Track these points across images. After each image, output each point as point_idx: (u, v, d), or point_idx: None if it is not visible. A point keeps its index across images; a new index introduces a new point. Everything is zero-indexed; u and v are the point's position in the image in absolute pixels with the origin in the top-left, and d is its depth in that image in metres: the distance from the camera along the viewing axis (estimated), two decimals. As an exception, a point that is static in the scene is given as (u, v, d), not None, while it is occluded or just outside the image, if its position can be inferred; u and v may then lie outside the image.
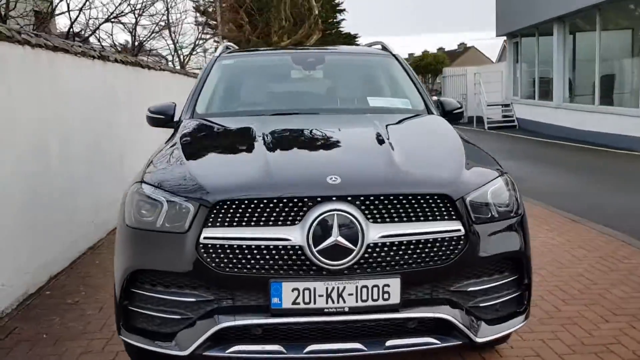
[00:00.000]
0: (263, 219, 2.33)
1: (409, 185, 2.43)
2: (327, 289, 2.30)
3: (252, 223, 2.33)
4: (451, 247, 2.41)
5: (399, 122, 3.40)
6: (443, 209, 2.42)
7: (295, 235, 2.29)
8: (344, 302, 2.32)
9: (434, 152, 2.89)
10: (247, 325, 2.34)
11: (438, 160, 2.75)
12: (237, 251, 2.33)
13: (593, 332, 3.40)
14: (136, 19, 12.81)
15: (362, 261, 2.32)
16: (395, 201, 2.37)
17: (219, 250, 2.33)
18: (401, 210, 2.37)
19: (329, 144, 2.98)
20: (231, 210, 2.34)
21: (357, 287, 2.31)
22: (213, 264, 2.33)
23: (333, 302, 2.31)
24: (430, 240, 2.39)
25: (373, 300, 2.33)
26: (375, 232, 2.32)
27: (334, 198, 2.32)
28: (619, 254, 4.99)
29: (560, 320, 3.58)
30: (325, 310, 2.32)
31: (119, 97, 6.48)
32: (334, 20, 44.63)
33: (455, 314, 2.43)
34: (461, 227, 2.42)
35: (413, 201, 2.39)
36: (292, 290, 2.30)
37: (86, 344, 3.40)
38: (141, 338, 2.48)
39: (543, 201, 7.52)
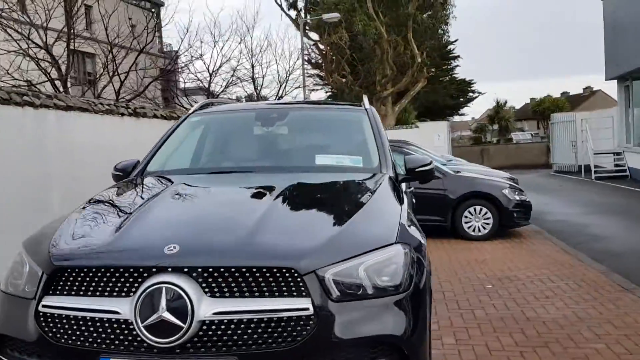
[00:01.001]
0: (100, 289, 2.23)
1: (252, 257, 2.22)
2: (161, 366, 2.14)
3: (89, 293, 2.24)
4: (298, 328, 2.15)
5: (317, 183, 3.19)
6: (292, 283, 2.18)
7: (125, 308, 2.16)
8: (172, 383, 2.13)
9: (314, 220, 2.62)
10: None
11: (308, 228, 2.49)
12: (72, 322, 2.24)
13: None
14: (210, 75, 13.46)
15: (195, 339, 2.14)
16: (237, 274, 2.18)
17: (56, 320, 2.26)
18: (244, 285, 2.17)
19: (204, 209, 2.83)
20: (70, 278, 2.28)
21: (187, 366, 2.13)
22: (50, 334, 2.26)
23: (163, 382, 2.13)
24: (274, 318, 2.15)
25: (205, 383, 2.12)
26: (208, 308, 2.13)
27: (169, 269, 2.18)
28: (654, 334, 4.25)
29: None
30: (151, 392, 2.14)
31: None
32: (448, 66, 44.19)
33: None
34: (309, 306, 2.16)
35: (257, 274, 2.18)
36: (133, 367, 2.16)
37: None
38: None
39: (609, 264, 6.69)
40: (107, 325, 2.19)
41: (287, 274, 2.18)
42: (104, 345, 2.19)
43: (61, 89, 9.78)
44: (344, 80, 32.86)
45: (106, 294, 2.22)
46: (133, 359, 2.15)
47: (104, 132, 5.72)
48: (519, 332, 4.37)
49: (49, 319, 2.27)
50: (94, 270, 2.25)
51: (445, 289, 5.66)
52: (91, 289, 2.24)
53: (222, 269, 2.18)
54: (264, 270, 2.18)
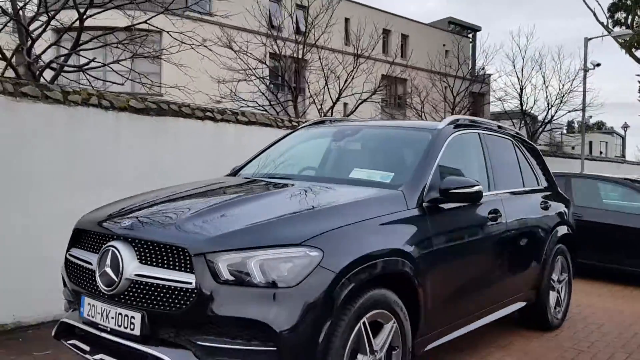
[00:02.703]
0: (89, 245, 3.11)
1: (166, 235, 2.79)
2: (102, 308, 2.89)
3: (85, 247, 3.14)
4: (185, 298, 2.64)
5: (311, 189, 3.52)
6: (188, 261, 2.67)
7: (94, 261, 2.98)
8: (109, 323, 2.85)
9: (247, 214, 2.98)
10: (69, 324, 3.10)
11: (231, 219, 2.90)
12: (74, 268, 3.16)
13: None
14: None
15: (125, 292, 2.81)
16: (157, 247, 2.78)
17: (71, 266, 3.21)
18: (159, 256, 2.77)
19: (187, 199, 3.41)
20: (81, 236, 3.20)
21: (116, 312, 2.82)
22: (68, 276, 3.22)
23: (104, 321, 2.87)
24: (171, 287, 2.68)
25: (124, 327, 2.78)
26: (132, 270, 2.78)
27: (122, 238, 2.91)
28: None
29: None
30: (99, 326, 2.90)
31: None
32: None
33: None
34: (193, 281, 2.62)
35: (168, 249, 2.74)
36: (88, 304, 2.98)
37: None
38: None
39: None
40: (87, 272, 3.05)
41: (186, 253, 2.69)
42: (84, 288, 3.05)
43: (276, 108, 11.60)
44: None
45: (90, 249, 3.08)
46: (95, 300, 2.95)
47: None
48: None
49: (69, 265, 3.24)
50: (89, 232, 3.14)
51: (591, 340, 4.98)
52: (86, 245, 3.14)
53: (149, 242, 2.81)
54: (173, 247, 2.74)
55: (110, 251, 2.87)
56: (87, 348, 2.99)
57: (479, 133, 4.51)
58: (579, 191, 7.99)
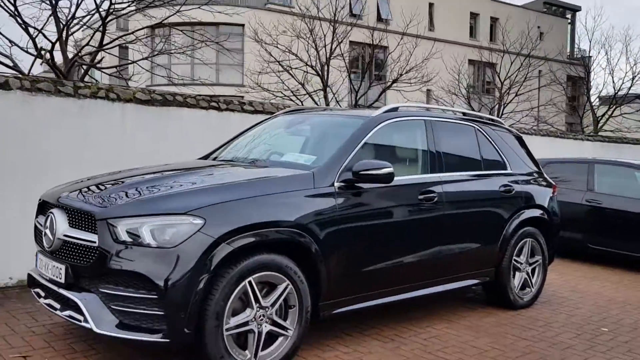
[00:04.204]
0: (44, 212, 3.85)
1: (85, 204, 3.45)
2: (45, 262, 3.62)
3: (42, 214, 3.88)
4: (90, 254, 3.30)
5: (230, 168, 4.14)
6: (95, 224, 3.31)
7: (43, 223, 3.70)
8: (48, 273, 3.57)
9: (153, 188, 3.56)
10: (32, 276, 3.85)
11: (138, 192, 3.49)
12: (37, 231, 3.91)
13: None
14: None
15: (59, 249, 3.51)
16: (78, 213, 3.45)
17: (35, 230, 3.97)
18: (79, 220, 3.44)
19: (128, 177, 3.98)
20: (43, 206, 3.95)
21: (52, 265, 3.53)
22: (34, 238, 3.98)
23: (45, 271, 3.60)
24: (80, 244, 3.35)
25: (55, 276, 3.49)
26: (62, 231, 3.48)
27: (59, 205, 3.62)
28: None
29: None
30: (43, 276, 3.62)
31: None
32: None
33: (95, 306, 3.26)
34: (96, 240, 3.25)
35: (83, 214, 3.41)
36: (39, 259, 3.73)
37: None
38: None
39: None
40: (40, 234, 3.78)
41: (94, 218, 3.33)
42: (39, 246, 3.79)
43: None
44: None
45: (43, 215, 3.81)
46: (43, 255, 3.69)
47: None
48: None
49: (35, 229, 4.01)
50: (46, 202, 3.87)
51: (550, 320, 5.11)
52: (43, 212, 3.88)
53: (74, 209, 3.49)
54: (86, 213, 3.39)
55: (50, 216, 3.59)
56: (42, 294, 3.73)
57: (424, 119, 4.78)
58: (601, 177, 7.83)
